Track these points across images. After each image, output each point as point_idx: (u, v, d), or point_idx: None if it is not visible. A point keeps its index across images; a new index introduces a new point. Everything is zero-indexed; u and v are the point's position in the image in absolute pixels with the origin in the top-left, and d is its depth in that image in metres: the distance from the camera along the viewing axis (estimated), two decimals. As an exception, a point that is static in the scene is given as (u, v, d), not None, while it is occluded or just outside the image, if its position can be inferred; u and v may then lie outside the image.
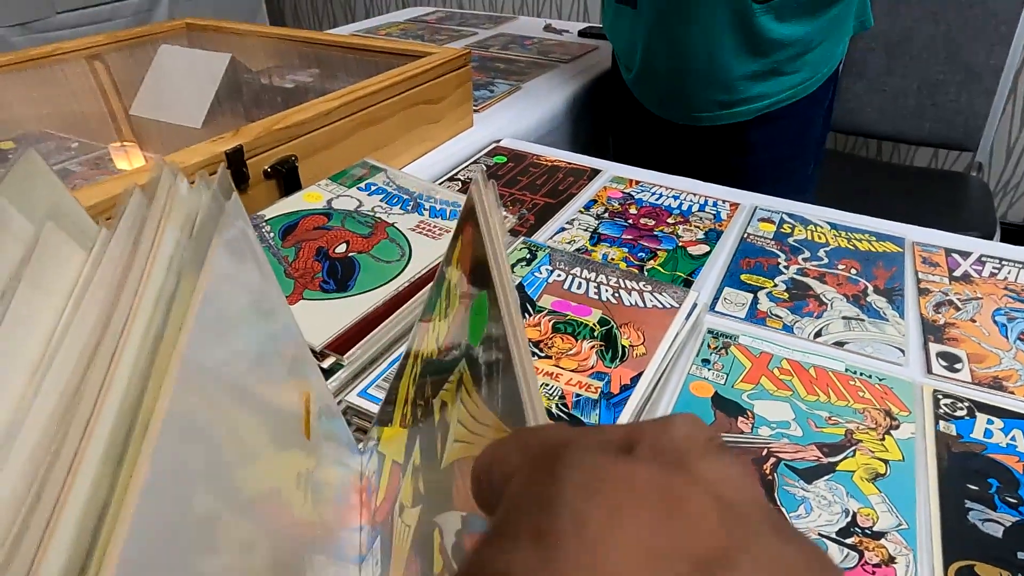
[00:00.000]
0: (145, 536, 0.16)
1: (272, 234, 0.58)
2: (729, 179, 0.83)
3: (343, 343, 0.47)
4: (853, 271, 0.66)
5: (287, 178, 0.67)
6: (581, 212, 0.75)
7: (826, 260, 0.67)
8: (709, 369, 0.53)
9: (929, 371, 0.53)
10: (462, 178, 0.82)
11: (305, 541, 0.30)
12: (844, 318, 0.59)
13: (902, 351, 0.55)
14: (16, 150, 0.89)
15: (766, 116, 0.93)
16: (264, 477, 0.27)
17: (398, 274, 0.54)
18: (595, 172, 0.85)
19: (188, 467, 0.20)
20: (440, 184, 0.77)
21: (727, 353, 0.54)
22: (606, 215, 0.75)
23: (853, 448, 0.46)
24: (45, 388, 0.18)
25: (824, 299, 0.62)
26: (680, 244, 0.70)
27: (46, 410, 0.18)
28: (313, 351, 0.46)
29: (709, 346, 0.55)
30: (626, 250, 0.68)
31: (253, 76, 1.01)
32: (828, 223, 0.74)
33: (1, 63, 0.89)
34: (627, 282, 0.59)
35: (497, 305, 0.23)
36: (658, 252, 0.68)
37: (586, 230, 0.71)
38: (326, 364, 0.46)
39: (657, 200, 0.78)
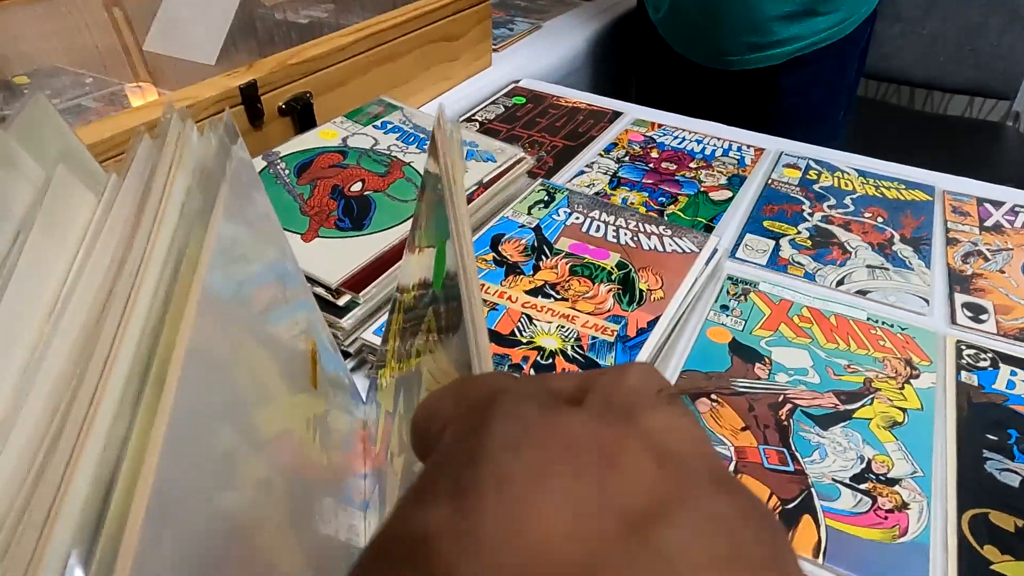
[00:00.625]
0: (172, 468, 0.16)
1: (287, 171, 0.57)
2: (757, 124, 0.81)
3: (359, 281, 0.47)
4: (880, 219, 0.64)
5: (302, 115, 0.66)
6: (601, 155, 0.73)
7: (852, 208, 0.66)
8: (728, 315, 0.52)
9: (953, 321, 0.52)
10: (480, 119, 0.80)
11: (316, 484, 0.30)
12: (868, 267, 0.58)
13: (926, 301, 0.54)
14: (31, 86, 0.88)
15: (798, 59, 0.90)
16: (279, 418, 0.27)
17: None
18: (616, 114, 0.82)
19: (209, 401, 0.20)
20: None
21: (746, 300, 0.54)
22: (627, 158, 0.73)
23: (871, 396, 0.45)
24: (62, 329, 0.18)
25: (848, 247, 0.60)
26: (702, 189, 0.68)
27: (64, 350, 0.18)
28: (328, 288, 0.46)
29: (728, 292, 0.54)
30: (646, 194, 0.67)
31: (267, 11, 0.98)
32: (856, 170, 0.72)
33: (12, -6, 0.87)
34: (647, 226, 0.57)
35: (454, 249, 0.23)
36: (679, 197, 0.66)
37: (605, 173, 0.70)
38: (342, 302, 0.46)
39: (679, 144, 0.76)
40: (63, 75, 0.91)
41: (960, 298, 0.54)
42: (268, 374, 0.27)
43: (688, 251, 0.55)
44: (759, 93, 0.94)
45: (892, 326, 0.51)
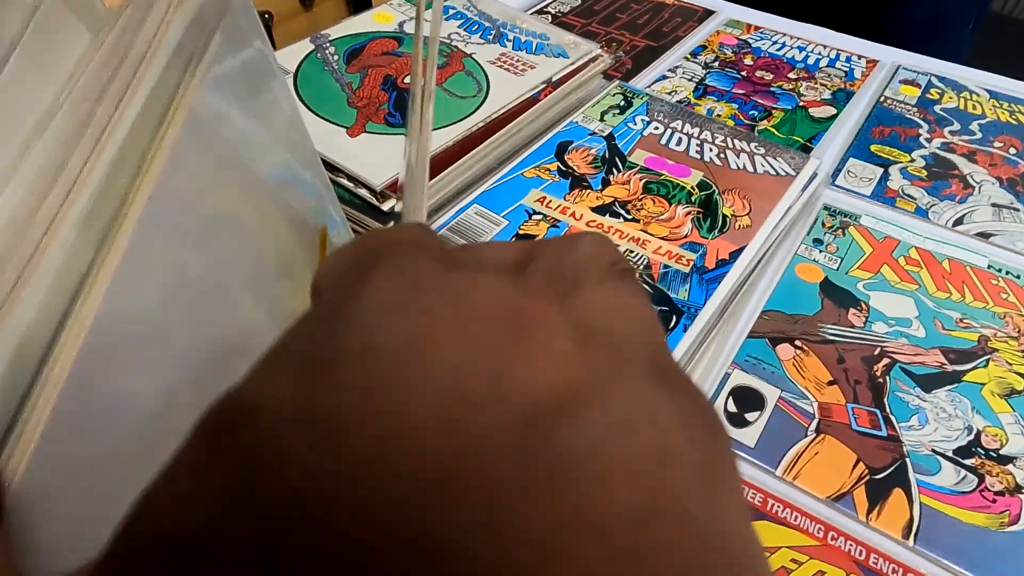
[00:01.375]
0: (128, 295, 0.17)
1: (336, 57, 0.51)
2: (870, 34, 0.70)
3: (407, 184, 0.42)
4: (1012, 151, 0.55)
5: (357, -5, 0.60)
6: (687, 59, 0.65)
7: (979, 135, 0.56)
8: (821, 251, 0.45)
9: (1094, 277, 0.44)
10: (552, 11, 0.72)
11: None
12: (994, 205, 0.50)
13: (1062, 251, 0.46)
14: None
15: (928, -44, 0.77)
16: (302, 297, 0.25)
17: (473, 111, 0.48)
18: (708, 13, 0.73)
19: (190, 237, 0.19)
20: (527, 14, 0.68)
21: (844, 234, 0.47)
22: (716, 64, 0.64)
23: (986, 357, 0.39)
24: (35, 151, 0.17)
25: (971, 181, 0.52)
26: (801, 104, 0.59)
27: (26, 180, 0.16)
28: (373, 191, 0.42)
29: (824, 224, 0.47)
30: (736, 106, 0.59)
31: None
32: (987, 90, 0.62)
33: None
34: (736, 142, 0.50)
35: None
36: (774, 111, 0.58)
37: (691, 80, 0.62)
38: (386, 206, 0.42)
39: (778, 51, 0.67)
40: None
41: (1104, 250, 0.46)
42: (292, 246, 0.25)
43: (783, 174, 0.47)
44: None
45: (1019, 277, 0.44)
